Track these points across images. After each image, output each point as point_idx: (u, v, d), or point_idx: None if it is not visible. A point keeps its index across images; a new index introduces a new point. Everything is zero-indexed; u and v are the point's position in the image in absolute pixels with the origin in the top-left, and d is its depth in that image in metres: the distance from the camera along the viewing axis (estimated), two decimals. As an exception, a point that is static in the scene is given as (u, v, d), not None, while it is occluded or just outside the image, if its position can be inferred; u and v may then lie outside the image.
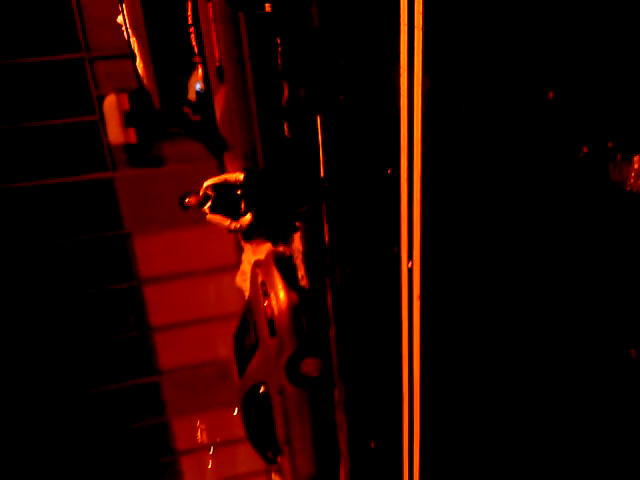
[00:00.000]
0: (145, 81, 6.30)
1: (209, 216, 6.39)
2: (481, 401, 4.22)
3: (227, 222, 6.34)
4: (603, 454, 3.11)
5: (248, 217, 6.25)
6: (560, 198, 3.04)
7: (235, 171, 6.45)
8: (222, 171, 6.75)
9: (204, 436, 12.00)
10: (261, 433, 8.14)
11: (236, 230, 6.39)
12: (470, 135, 3.69)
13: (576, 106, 2.90)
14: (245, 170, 6.38)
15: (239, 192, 6.32)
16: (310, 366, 7.23)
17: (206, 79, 6.11)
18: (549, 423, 3.51)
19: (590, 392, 3.11)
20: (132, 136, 8.33)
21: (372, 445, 6.56)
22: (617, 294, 2.82)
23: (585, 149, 2.86)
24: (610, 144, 2.73)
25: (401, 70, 4.29)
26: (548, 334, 3.36)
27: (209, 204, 6.35)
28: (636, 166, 2.61)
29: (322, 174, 6.21)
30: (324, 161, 6.08)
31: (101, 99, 8.52)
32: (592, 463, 3.21)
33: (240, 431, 8.51)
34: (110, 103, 8.24)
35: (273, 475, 10.86)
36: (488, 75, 3.47)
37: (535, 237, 3.30)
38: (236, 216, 6.33)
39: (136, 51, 6.17)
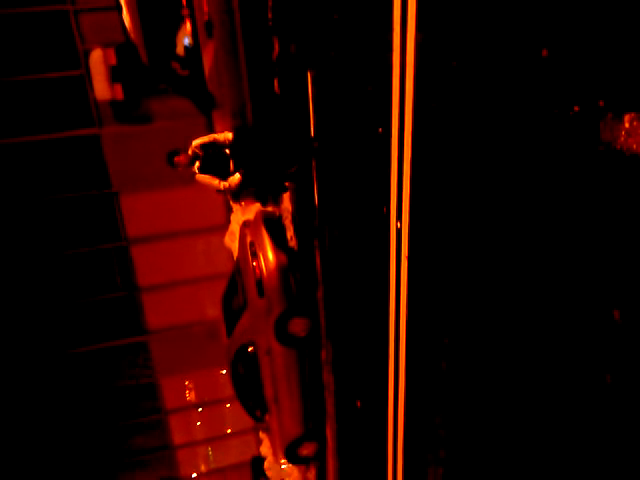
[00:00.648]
0: (132, 34, 6.14)
1: (198, 176, 6.31)
2: (465, 363, 4.27)
3: (216, 182, 6.26)
4: (589, 427, 3.16)
5: (237, 177, 6.17)
6: (551, 157, 3.02)
7: (224, 129, 6.35)
8: (211, 129, 6.65)
9: (192, 395, 12.15)
10: (249, 392, 8.24)
11: (225, 190, 6.32)
12: (462, 93, 3.64)
13: (569, 65, 2.86)
14: (234, 129, 6.28)
15: (228, 151, 6.24)
16: (298, 326, 7.28)
17: (194, 33, 5.97)
18: (535, 384, 3.56)
19: (574, 357, 3.14)
20: (119, 92, 8.16)
21: (358, 404, 6.66)
22: (603, 255, 2.82)
23: (576, 108, 2.83)
24: (601, 103, 2.70)
25: (394, 25, 4.20)
26: (534, 296, 3.38)
27: (198, 164, 6.26)
28: (627, 125, 2.58)
29: (312, 133, 6.12)
30: (314, 119, 5.98)
31: (87, 53, 8.30)
32: (578, 437, 3.26)
33: (228, 390, 8.62)
34: (96, 57, 8.04)
35: (261, 433, 11.05)
36: (482, 32, 3.40)
37: (524, 196, 3.29)
38: (225, 176, 6.26)
39: (123, 3, 5.99)
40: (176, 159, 6.21)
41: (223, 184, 6.23)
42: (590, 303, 2.93)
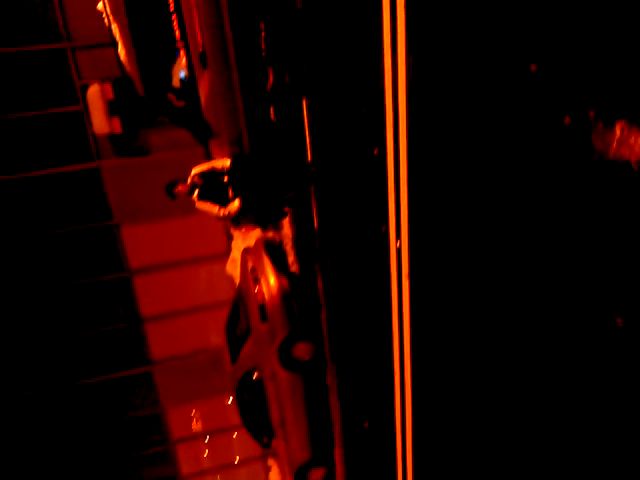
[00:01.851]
0: (128, 68, 6.25)
1: (198, 203, 6.39)
2: (472, 378, 4.27)
3: (216, 209, 6.34)
4: (589, 424, 3.16)
5: (236, 203, 6.24)
6: (545, 170, 3.07)
7: (222, 157, 6.43)
8: (209, 158, 6.73)
9: (199, 424, 12.04)
10: (256, 418, 8.17)
11: (225, 217, 6.39)
12: (455, 111, 3.70)
13: (557, 78, 2.92)
14: (231, 156, 6.36)
15: (226, 179, 6.31)
16: (302, 350, 7.25)
17: (189, 65, 6.07)
18: (541, 399, 3.56)
19: (578, 360, 3.15)
20: (117, 125, 8.27)
21: (365, 425, 6.61)
22: (604, 264, 2.85)
23: (567, 120, 2.89)
24: (592, 113, 2.76)
25: (384, 50, 4.29)
26: (536, 308, 3.40)
27: (197, 192, 6.34)
28: (617, 133, 2.64)
29: (309, 158, 6.20)
30: (311, 145, 6.07)
31: (85, 89, 8.43)
32: (577, 432, 3.26)
33: (235, 418, 8.55)
34: (94, 92, 8.16)
35: (269, 460, 10.94)
36: (472, 52, 3.47)
37: (522, 210, 3.33)
38: (224, 202, 6.33)
39: (118, 37, 6.11)
40: (175, 190, 6.29)
41: (223, 211, 6.31)
42: (593, 311, 2.95)
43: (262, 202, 6.45)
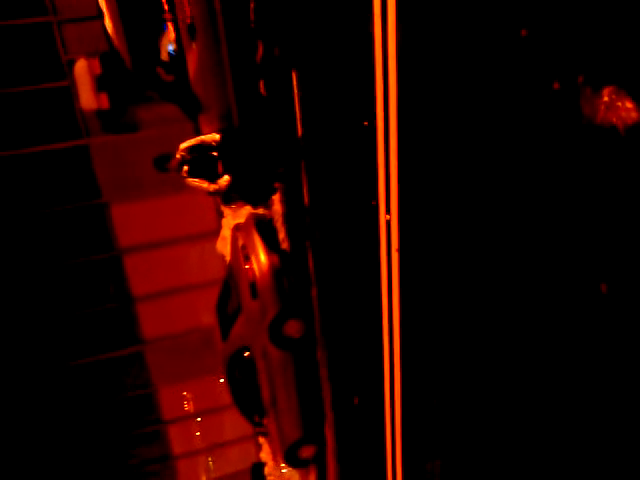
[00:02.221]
0: (115, 41, 6.14)
1: (187, 179, 6.31)
2: (460, 352, 4.28)
3: (205, 184, 6.26)
4: (575, 398, 3.17)
5: (226, 178, 6.17)
6: (535, 134, 3.05)
7: (211, 132, 6.35)
8: (198, 133, 6.64)
9: (191, 404, 12.07)
10: (247, 397, 8.19)
11: (215, 192, 6.31)
12: (445, 79, 3.66)
13: (547, 43, 2.89)
14: (221, 131, 6.29)
15: (216, 154, 6.24)
16: (293, 328, 7.25)
17: (178, 38, 5.97)
18: (529, 373, 3.57)
19: (564, 334, 3.16)
20: (105, 101, 8.14)
21: (355, 401, 6.64)
22: (589, 229, 2.84)
23: (557, 85, 2.86)
24: (580, 79, 2.73)
25: (374, 19, 4.23)
26: (523, 279, 3.40)
27: (186, 167, 6.27)
28: (605, 99, 2.62)
29: (299, 132, 6.13)
30: (301, 119, 6.01)
31: (71, 64, 8.29)
32: (565, 410, 3.27)
33: (226, 398, 8.56)
34: (81, 67, 8.02)
35: (260, 439, 10.98)
36: (463, 20, 3.43)
37: (512, 179, 3.32)
38: (214, 178, 6.26)
39: (104, 10, 6.00)
40: (167, 165, 6.22)
41: (213, 186, 6.23)
42: (578, 278, 2.95)
43: (252, 177, 6.39)
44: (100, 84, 7.90)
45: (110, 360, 11.01)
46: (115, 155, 9.28)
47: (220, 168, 6.22)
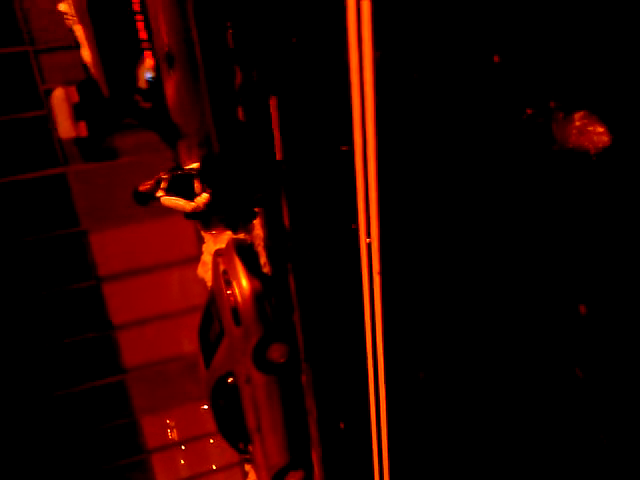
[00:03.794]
0: (92, 70, 6.15)
1: (164, 199, 6.15)
2: (445, 375, 4.29)
3: (182, 202, 6.13)
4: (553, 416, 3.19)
5: (205, 196, 6.07)
6: (509, 160, 3.10)
7: (190, 160, 6.35)
8: (177, 160, 6.64)
9: (174, 432, 11.89)
10: (231, 424, 8.09)
11: (193, 212, 6.20)
12: (420, 105, 3.72)
13: (520, 69, 2.96)
14: (200, 158, 6.29)
15: (194, 171, 6.18)
16: (277, 352, 7.21)
17: (156, 65, 5.99)
18: (513, 392, 3.59)
19: (541, 347, 3.18)
20: (83, 129, 8.11)
21: (342, 426, 6.60)
22: (566, 251, 2.89)
23: (529, 110, 2.92)
24: (552, 104, 2.79)
25: (350, 46, 4.30)
26: (504, 300, 3.43)
27: (164, 184, 6.16)
28: (577, 123, 2.67)
29: (279, 157, 6.16)
30: (280, 144, 6.04)
31: (48, 93, 8.28)
32: (541, 420, 3.29)
33: (210, 425, 8.46)
34: (58, 96, 7.98)
35: (246, 466, 10.84)
36: (438, 46, 3.50)
37: (488, 202, 3.36)
38: (192, 196, 6.15)
39: (81, 39, 6.01)
40: (141, 187, 6.13)
41: (191, 205, 6.12)
42: (556, 299, 2.98)
43: (232, 201, 6.37)
44: (78, 112, 7.86)
45: (91, 389, 10.83)
46: (93, 183, 9.25)
47: (199, 187, 6.15)
